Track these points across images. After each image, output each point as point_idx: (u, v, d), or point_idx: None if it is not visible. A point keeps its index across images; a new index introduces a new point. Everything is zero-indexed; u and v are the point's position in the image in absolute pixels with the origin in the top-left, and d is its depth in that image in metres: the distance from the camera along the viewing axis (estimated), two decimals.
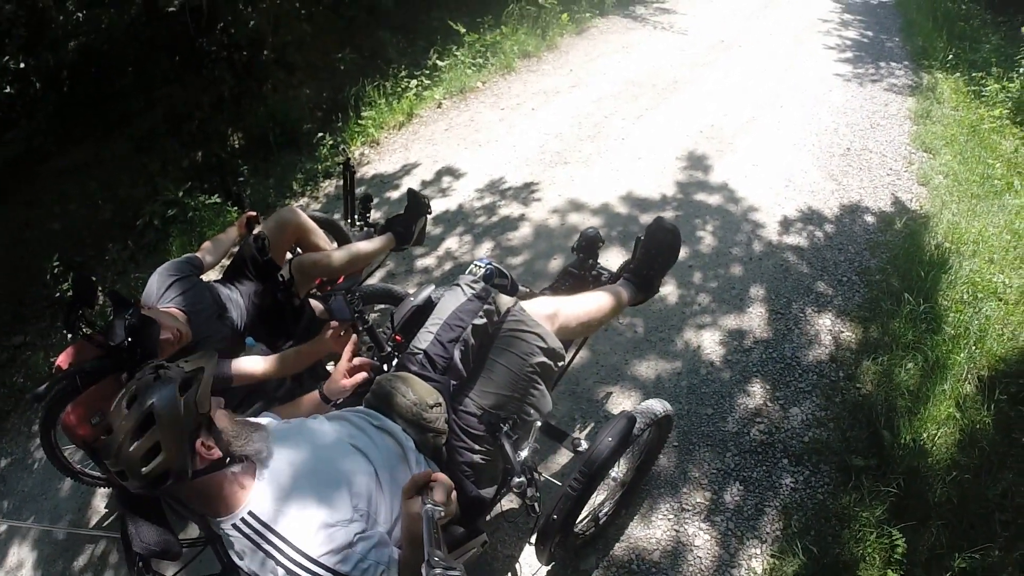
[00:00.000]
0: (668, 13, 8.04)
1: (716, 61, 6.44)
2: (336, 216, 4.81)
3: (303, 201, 5.17)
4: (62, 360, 2.60)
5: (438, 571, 1.03)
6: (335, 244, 3.17)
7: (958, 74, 5.76)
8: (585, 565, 2.28)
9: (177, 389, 1.33)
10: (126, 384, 1.38)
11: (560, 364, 1.91)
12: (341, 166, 3.22)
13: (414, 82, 6.20)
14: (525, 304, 1.90)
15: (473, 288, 2.02)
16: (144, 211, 5.00)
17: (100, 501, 3.06)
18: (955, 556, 2.13)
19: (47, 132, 5.45)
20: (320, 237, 3.02)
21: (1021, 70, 5.39)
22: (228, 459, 1.37)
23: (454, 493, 1.32)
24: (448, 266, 3.96)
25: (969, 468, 2.41)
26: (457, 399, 1.81)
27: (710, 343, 3.09)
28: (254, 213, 2.95)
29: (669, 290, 3.42)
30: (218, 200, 5.09)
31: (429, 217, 3.02)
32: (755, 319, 3.20)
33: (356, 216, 3.17)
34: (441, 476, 1.33)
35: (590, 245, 2.35)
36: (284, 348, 2.84)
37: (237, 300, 2.66)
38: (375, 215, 3.31)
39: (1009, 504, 2.29)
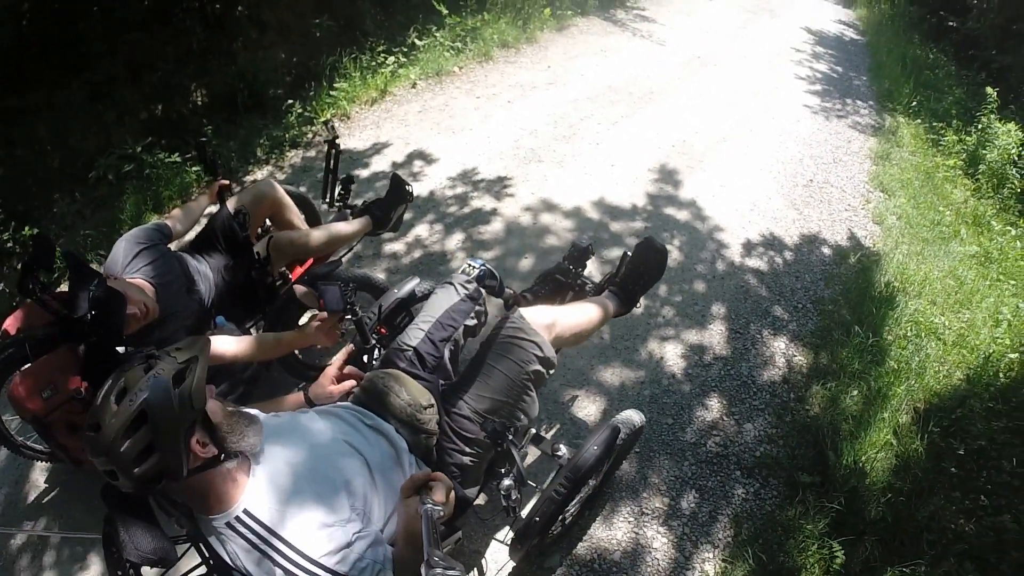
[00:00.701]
0: (647, 22, 8.18)
1: (692, 77, 6.61)
2: (302, 189, 4.72)
3: (267, 169, 5.03)
4: (9, 324, 2.43)
5: (438, 571, 1.04)
6: (304, 219, 3.09)
7: (919, 120, 6.12)
8: (550, 563, 2.36)
9: (171, 383, 1.27)
10: (114, 375, 1.30)
11: (551, 372, 1.95)
12: (326, 143, 3.13)
13: (391, 59, 6.10)
14: (524, 312, 1.92)
15: (466, 288, 2.05)
16: (98, 164, 4.73)
17: (39, 475, 2.82)
18: (887, 570, 2.33)
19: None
20: (295, 214, 2.96)
21: (979, 125, 5.76)
22: (223, 456, 1.34)
23: (452, 493, 1.34)
24: (417, 253, 3.95)
25: (903, 491, 2.62)
26: (450, 401, 1.81)
27: (672, 355, 3.22)
28: (227, 182, 2.84)
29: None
30: (178, 159, 4.90)
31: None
32: (715, 336, 3.35)
33: (336, 196, 3.09)
34: (440, 476, 1.34)
35: (581, 256, 2.39)
36: (253, 327, 2.79)
37: (206, 273, 2.58)
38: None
39: (936, 525, 2.50)
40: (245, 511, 1.32)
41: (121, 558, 1.36)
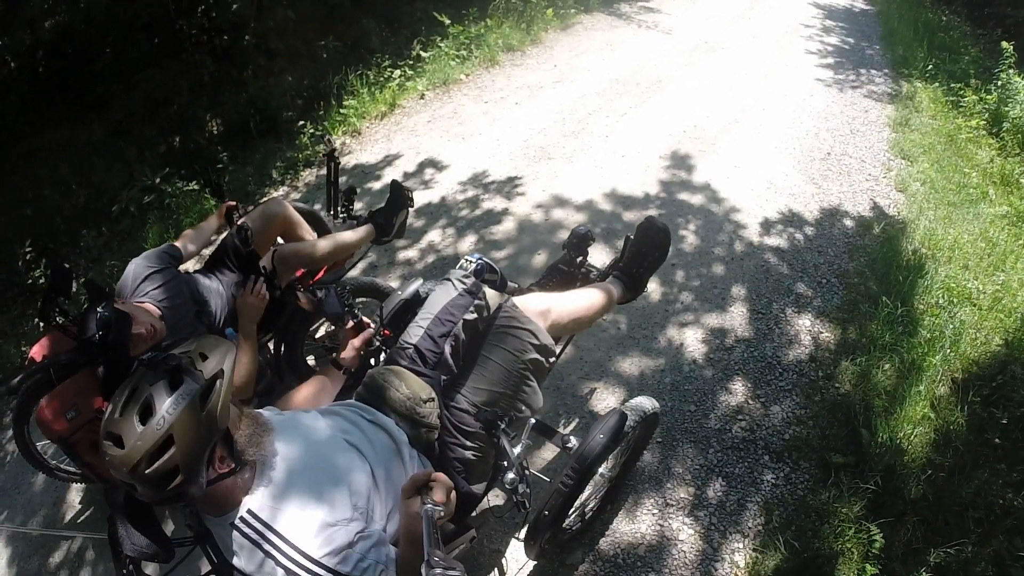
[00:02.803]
0: (652, 12, 8.07)
1: (700, 62, 6.49)
2: (317, 207, 4.76)
3: (283, 190, 5.10)
4: (36, 352, 2.57)
5: (438, 571, 1.03)
6: (316, 236, 3.12)
7: (937, 84, 5.88)
8: (571, 559, 2.30)
9: (198, 402, 1.25)
10: (127, 386, 1.28)
11: (552, 361, 1.91)
12: (325, 156, 3.16)
13: (397, 72, 6.14)
14: (517, 300, 1.89)
15: (464, 283, 2.03)
16: (120, 197, 4.89)
17: (75, 496, 2.98)
18: (931, 551, 2.20)
19: (20, 113, 5.27)
20: (306, 230, 2.98)
21: (998, 83, 5.53)
22: (238, 467, 1.34)
23: (453, 493, 1.32)
24: (431, 259, 3.94)
25: (943, 467, 2.48)
26: (449, 395, 1.80)
27: (693, 341, 3.13)
28: (233, 203, 2.88)
29: (652, 288, 3.44)
30: (196, 187, 5.00)
31: (411, 210, 2.99)
32: (737, 318, 3.24)
33: (340, 208, 3.13)
34: (441, 476, 1.32)
35: (581, 243, 2.34)
36: (265, 341, 2.83)
37: (218, 290, 2.63)
38: (357, 206, 3.27)
39: (982, 502, 2.36)
40: (249, 511, 1.32)
41: (121, 554, 1.39)
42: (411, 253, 4.02)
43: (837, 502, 2.37)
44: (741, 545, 2.33)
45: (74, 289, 2.44)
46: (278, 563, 1.26)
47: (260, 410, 1.60)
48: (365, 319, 1.98)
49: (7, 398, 3.37)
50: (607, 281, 2.21)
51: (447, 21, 6.59)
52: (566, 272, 2.36)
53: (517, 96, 5.96)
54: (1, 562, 2.88)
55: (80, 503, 2.96)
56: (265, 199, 4.94)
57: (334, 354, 1.95)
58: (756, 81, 5.97)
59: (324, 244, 2.74)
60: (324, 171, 5.17)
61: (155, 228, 4.69)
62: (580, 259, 2.37)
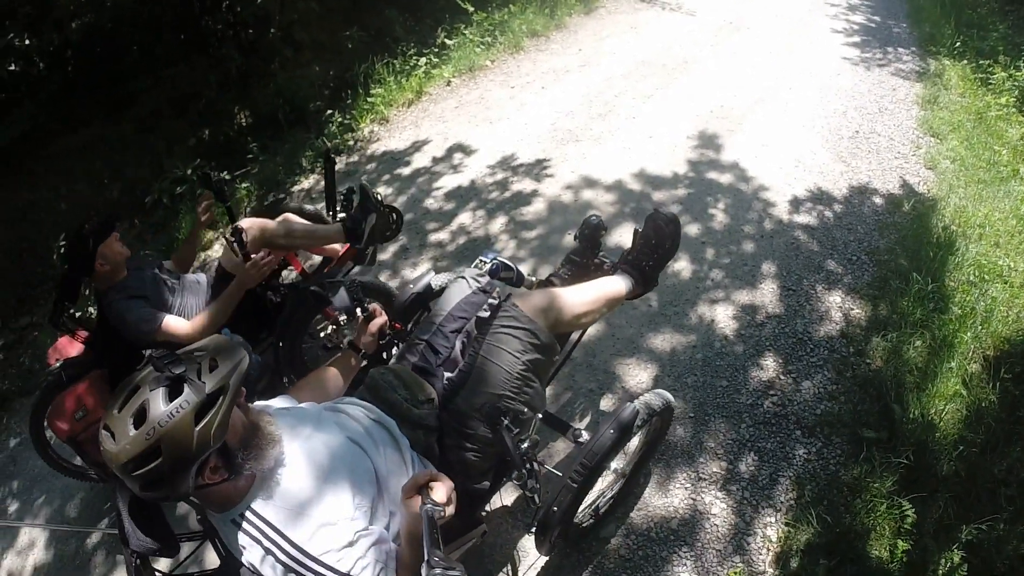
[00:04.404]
0: None
1: (725, 42, 6.45)
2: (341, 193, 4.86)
3: (312, 179, 5.19)
4: (50, 354, 2.77)
5: (438, 571, 1.05)
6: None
7: (965, 61, 5.77)
8: (605, 532, 2.36)
9: (192, 418, 1.19)
10: (131, 382, 1.26)
11: (556, 359, 1.89)
12: (322, 158, 3.19)
13: (423, 60, 6.19)
14: (517, 299, 1.85)
15: (478, 282, 2.05)
16: (153, 189, 5.01)
17: (91, 492, 3.12)
18: (963, 528, 2.21)
19: (51, 112, 5.38)
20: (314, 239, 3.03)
21: None
22: (232, 476, 1.30)
23: (454, 493, 1.32)
24: (462, 240, 4.01)
25: (976, 444, 2.49)
26: (449, 398, 1.77)
27: (723, 317, 3.16)
28: (210, 201, 2.90)
29: (682, 265, 3.48)
30: (227, 176, 5.11)
31: (398, 221, 2.86)
32: (767, 295, 3.27)
33: (338, 209, 3.08)
34: (441, 476, 1.33)
35: (593, 233, 2.29)
36: (264, 341, 2.92)
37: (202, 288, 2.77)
38: (385, 192, 3.27)
39: (1014, 479, 2.37)
40: (250, 508, 1.33)
41: (128, 550, 1.42)
42: (442, 235, 4.09)
43: (869, 477, 2.39)
44: (773, 519, 2.37)
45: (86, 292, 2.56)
46: (278, 560, 1.27)
47: (269, 404, 1.61)
48: (378, 307, 1.99)
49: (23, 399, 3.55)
50: (616, 274, 2.14)
51: (471, 8, 6.62)
52: (579, 263, 2.32)
53: (543, 80, 5.99)
54: (39, 549, 2.99)
55: (96, 499, 3.08)
56: (302, 188, 5.05)
57: (348, 340, 1.95)
58: (782, 60, 5.92)
59: (277, 225, 2.79)
60: (354, 158, 5.30)
61: (187, 218, 4.80)
62: (593, 249, 2.33)
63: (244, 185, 5.14)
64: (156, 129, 5.74)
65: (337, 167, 5.22)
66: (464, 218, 4.20)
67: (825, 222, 3.75)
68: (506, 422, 1.65)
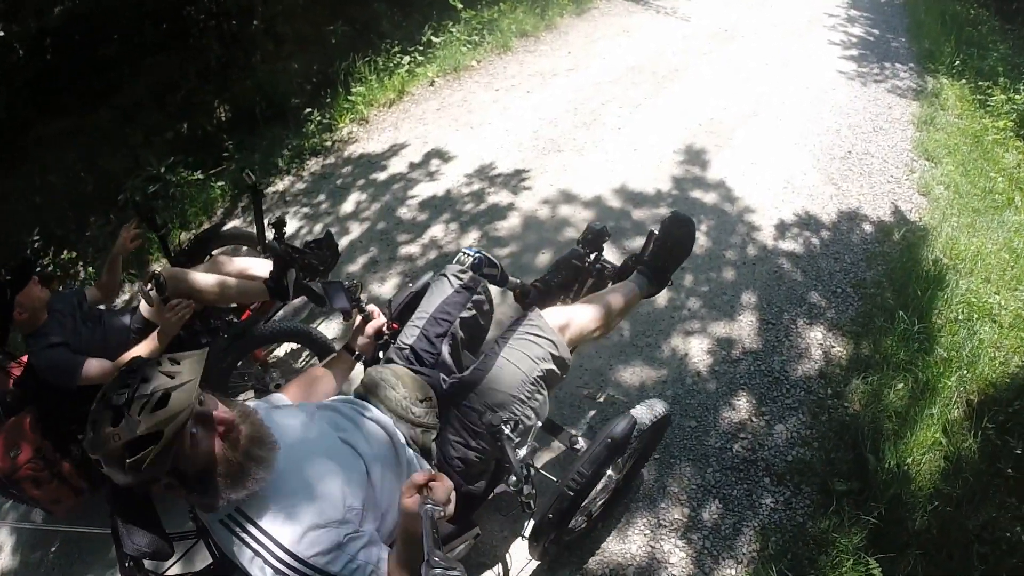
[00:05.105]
0: None
1: (718, 50, 6.28)
2: (321, 197, 4.69)
3: (288, 180, 5.03)
4: None
5: (438, 571, 1.04)
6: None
7: (964, 81, 5.61)
8: None
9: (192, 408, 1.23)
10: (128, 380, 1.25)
11: (564, 375, 1.89)
12: (249, 189, 3.09)
13: (407, 58, 6.01)
14: (541, 311, 1.89)
15: (460, 279, 2.02)
16: (125, 186, 4.83)
17: None
18: None
19: (28, 100, 5.23)
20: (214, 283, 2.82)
21: None
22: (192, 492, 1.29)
23: (454, 493, 1.32)
24: (432, 255, 3.86)
25: (952, 498, 2.36)
26: (460, 393, 1.78)
27: (698, 351, 3.02)
28: (138, 229, 2.83)
29: (632, 309, 3.31)
30: (200, 176, 4.94)
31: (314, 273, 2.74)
32: (745, 328, 3.12)
33: (268, 241, 2.92)
34: (441, 476, 1.30)
35: (596, 238, 2.31)
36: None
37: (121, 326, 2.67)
38: (359, 199, 3.15)
39: (989, 536, 2.25)
40: (238, 510, 1.31)
41: (122, 552, 1.47)
42: (413, 248, 3.94)
43: (837, 531, 2.26)
44: (733, 571, 2.24)
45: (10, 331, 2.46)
46: (266, 562, 1.27)
47: (260, 403, 1.60)
48: (376, 309, 1.97)
49: None
50: (630, 278, 2.15)
51: (459, 5, 6.43)
52: (577, 267, 2.30)
53: (529, 84, 5.82)
54: (5, 553, 2.93)
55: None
56: (276, 191, 4.88)
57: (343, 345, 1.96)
58: (776, 72, 5.76)
59: (208, 280, 2.66)
60: (330, 160, 5.13)
61: (160, 216, 4.63)
62: (595, 255, 2.33)
63: (219, 184, 4.97)
64: (135, 121, 5.56)
65: (313, 170, 5.07)
66: (436, 231, 4.05)
67: (811, 250, 3.60)
68: (507, 431, 1.64)
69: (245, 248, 3.75)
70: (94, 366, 2.38)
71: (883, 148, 4.56)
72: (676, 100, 5.31)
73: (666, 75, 5.76)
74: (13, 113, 5.19)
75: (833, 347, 3.01)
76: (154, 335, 2.41)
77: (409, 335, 1.94)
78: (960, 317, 3.05)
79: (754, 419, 2.70)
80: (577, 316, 1.93)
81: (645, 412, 2.01)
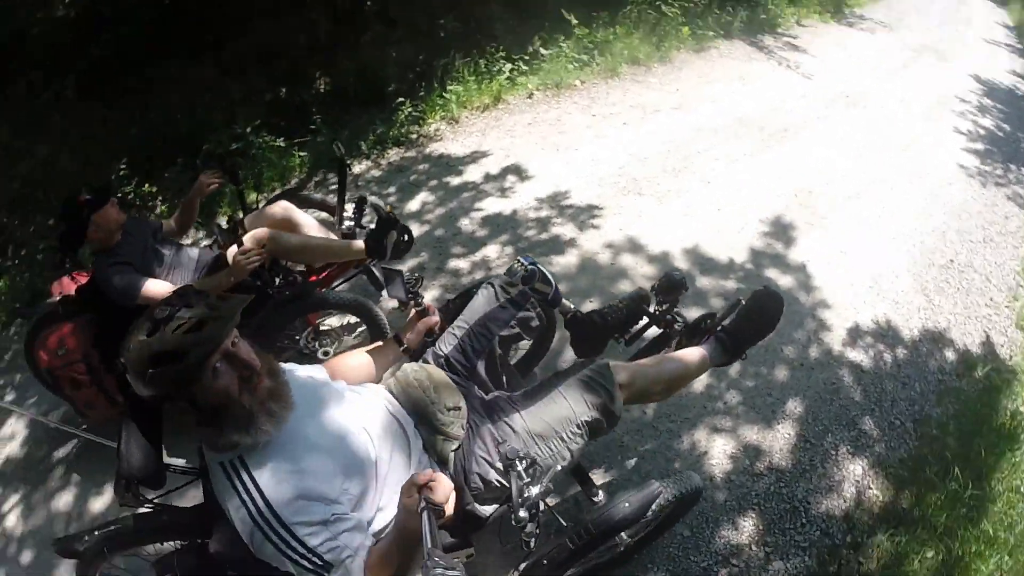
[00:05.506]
0: (797, 51, 7.40)
1: (835, 117, 5.87)
2: (391, 189, 4.67)
3: (367, 164, 5.04)
4: (55, 288, 2.89)
5: (438, 571, 1.05)
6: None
7: None
8: None
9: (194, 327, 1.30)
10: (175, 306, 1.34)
11: (612, 429, 1.87)
12: (336, 162, 3.19)
13: (509, 65, 5.90)
14: (611, 362, 1.86)
15: (508, 292, 1.95)
16: (210, 139, 4.97)
17: None
18: None
19: (142, 43, 5.47)
20: (311, 229, 3.06)
21: None
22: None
23: (453, 494, 1.35)
24: (479, 274, 3.76)
25: None
26: (504, 409, 1.77)
27: (719, 453, 2.77)
28: (219, 180, 2.99)
29: (698, 378, 3.09)
30: (282, 144, 5.02)
31: (408, 237, 2.89)
32: (779, 440, 2.84)
33: (348, 218, 3.14)
34: (442, 477, 1.32)
35: (673, 289, 2.22)
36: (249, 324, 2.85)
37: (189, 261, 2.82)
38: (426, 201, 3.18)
39: None
40: (240, 458, 1.36)
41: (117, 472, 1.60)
42: (462, 263, 3.85)
43: None
44: None
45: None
46: (250, 513, 1.31)
47: (297, 368, 1.66)
48: (431, 305, 1.94)
49: (18, 319, 3.84)
50: (703, 344, 2.09)
51: (574, 21, 6.26)
52: (641, 310, 2.23)
53: (629, 115, 5.62)
54: (17, 442, 3.17)
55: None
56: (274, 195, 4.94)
57: (395, 333, 1.94)
58: (892, 152, 5.31)
59: (296, 239, 2.84)
60: (411, 153, 5.11)
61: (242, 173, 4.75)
62: (667, 305, 2.24)
63: (301, 154, 5.05)
64: (237, 78, 5.71)
65: (392, 160, 5.06)
66: (491, 250, 3.93)
67: (880, 367, 3.25)
68: (519, 468, 1.56)
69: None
70: (154, 287, 2.51)
71: (989, 264, 4.10)
72: (777, 163, 4.98)
73: (773, 133, 5.43)
74: (127, 51, 5.43)
75: (870, 488, 2.69)
76: (220, 274, 2.56)
77: (447, 343, 1.91)
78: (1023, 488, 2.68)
79: (754, 547, 2.45)
80: (642, 376, 1.89)
81: (675, 484, 1.88)
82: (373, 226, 2.83)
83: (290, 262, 2.98)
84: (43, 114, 5.21)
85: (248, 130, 5.01)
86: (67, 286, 2.86)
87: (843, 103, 6.15)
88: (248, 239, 2.62)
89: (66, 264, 2.69)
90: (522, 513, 1.51)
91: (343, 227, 3.14)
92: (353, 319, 3.22)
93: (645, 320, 2.28)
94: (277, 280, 2.83)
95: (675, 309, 2.26)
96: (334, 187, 3.81)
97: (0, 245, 4.63)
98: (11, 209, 4.89)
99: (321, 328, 3.15)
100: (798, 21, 8.18)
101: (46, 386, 2.86)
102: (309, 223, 3.06)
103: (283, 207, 3.06)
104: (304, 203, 3.55)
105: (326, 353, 3.05)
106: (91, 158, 4.99)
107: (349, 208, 3.19)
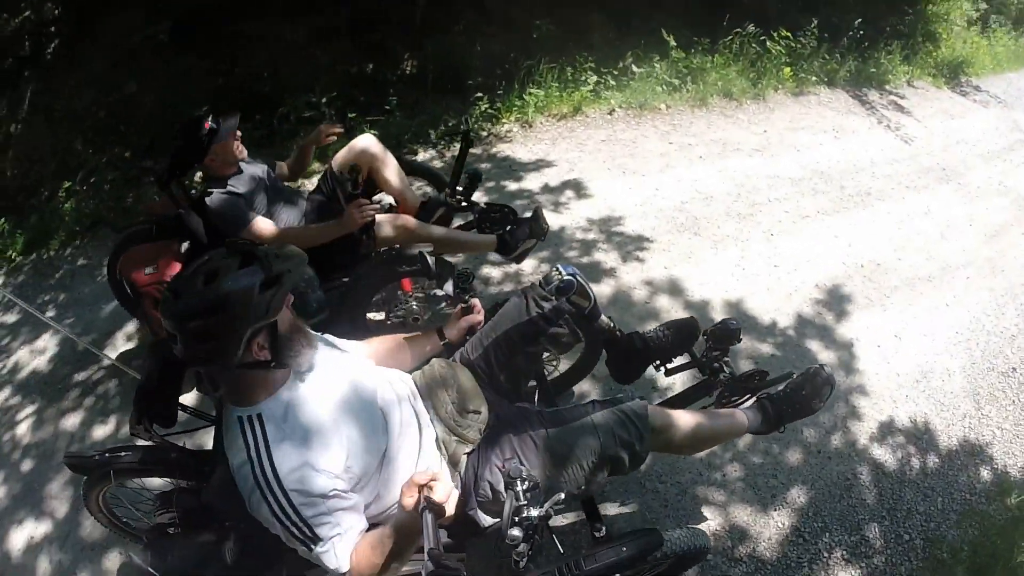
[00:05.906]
0: (901, 112, 6.92)
1: (925, 189, 5.46)
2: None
3: (430, 153, 5.06)
4: (151, 206, 3.09)
5: (438, 571, 1.09)
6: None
7: None
8: None
9: (257, 285, 1.32)
10: (205, 256, 1.39)
11: (633, 472, 1.86)
12: (460, 134, 3.19)
13: (595, 77, 5.79)
14: (651, 406, 1.85)
15: (541, 306, 1.87)
16: (285, 104, 5.09)
17: (132, 327, 3.57)
18: None
19: None
20: (392, 171, 3.07)
21: None
22: (273, 364, 1.41)
23: (454, 494, 1.40)
24: (508, 287, 3.74)
25: None
26: (532, 424, 1.75)
27: (702, 526, 2.62)
28: (340, 129, 3.08)
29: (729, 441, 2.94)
30: (352, 117, 5.09)
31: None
32: (771, 529, 2.67)
33: (460, 189, 3.17)
34: (443, 477, 1.31)
35: (727, 338, 2.17)
36: (338, 282, 2.92)
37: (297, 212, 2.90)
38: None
39: None
40: (259, 415, 1.40)
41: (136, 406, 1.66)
42: (495, 272, 3.83)
43: None
44: None
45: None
46: (253, 471, 1.34)
47: (336, 339, 1.72)
48: (477, 304, 1.96)
49: (112, 234, 3.99)
50: (745, 406, 2.10)
51: (672, 43, 6.07)
52: (696, 358, 2.22)
53: (706, 149, 5.42)
54: (46, 356, 3.46)
55: (131, 341, 3.51)
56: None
57: (439, 326, 1.97)
58: (977, 239, 4.90)
59: (440, 233, 2.87)
60: (475, 150, 5.08)
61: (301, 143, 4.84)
62: (717, 352, 2.19)
63: (373, 132, 5.11)
64: (326, 44, 5.82)
65: (454, 154, 5.05)
66: (528, 264, 3.84)
67: (905, 472, 3.00)
68: (519, 488, 1.50)
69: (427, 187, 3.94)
70: (261, 224, 2.62)
71: None
72: (850, 227, 4.69)
73: (854, 194, 5.12)
74: (224, 2, 5.60)
75: None
76: (331, 223, 2.63)
77: (473, 349, 1.90)
78: None
79: None
80: (677, 429, 1.87)
81: (680, 538, 1.83)
82: (483, 204, 3.04)
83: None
84: (137, 52, 5.45)
85: (324, 100, 5.10)
86: (164, 208, 2.92)
87: (937, 176, 5.73)
88: (387, 223, 2.67)
89: (170, 186, 2.69)
90: (515, 532, 1.47)
91: (453, 199, 3.15)
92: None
93: (689, 359, 2.23)
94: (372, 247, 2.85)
95: (724, 358, 2.19)
96: None
97: (72, 169, 4.88)
98: (90, 137, 5.15)
99: (415, 294, 3.17)
100: (909, 81, 7.67)
101: (121, 300, 3.05)
102: (392, 163, 3.07)
103: (370, 141, 3.05)
104: (410, 171, 3.58)
105: (416, 319, 3.10)
106: (174, 102, 5.19)
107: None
